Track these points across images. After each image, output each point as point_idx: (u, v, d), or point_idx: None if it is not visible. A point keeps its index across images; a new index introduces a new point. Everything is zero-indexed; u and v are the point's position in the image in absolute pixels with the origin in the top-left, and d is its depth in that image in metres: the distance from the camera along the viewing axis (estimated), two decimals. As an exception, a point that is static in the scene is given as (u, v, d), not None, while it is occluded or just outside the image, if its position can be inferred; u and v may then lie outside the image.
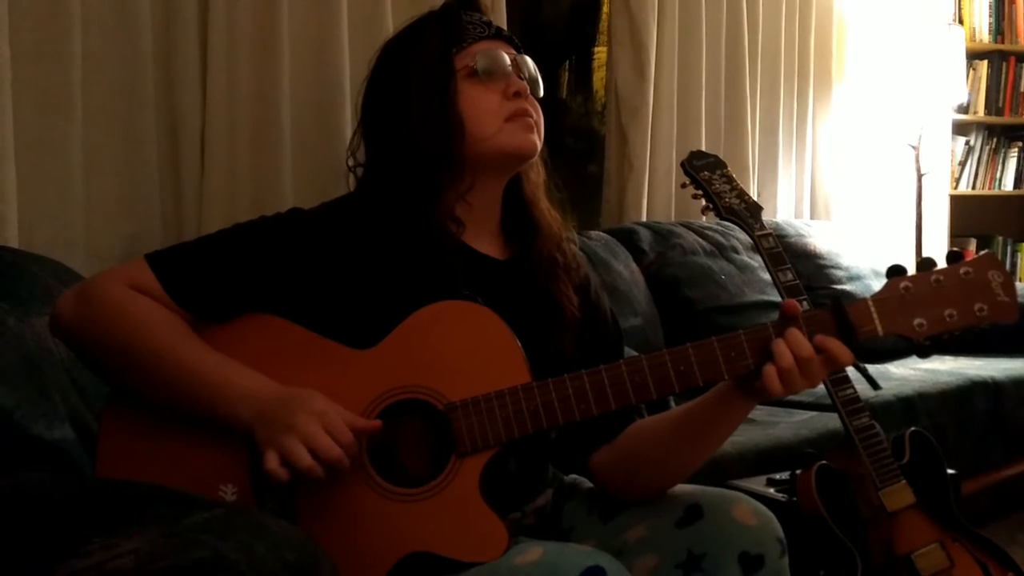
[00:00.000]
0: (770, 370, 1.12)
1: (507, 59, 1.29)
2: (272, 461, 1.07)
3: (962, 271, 1.14)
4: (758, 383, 1.13)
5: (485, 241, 1.32)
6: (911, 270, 1.16)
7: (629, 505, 1.27)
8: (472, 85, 1.27)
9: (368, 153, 1.34)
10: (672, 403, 2.14)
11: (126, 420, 1.18)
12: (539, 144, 1.30)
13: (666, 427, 1.27)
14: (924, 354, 1.14)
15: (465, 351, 1.16)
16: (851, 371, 1.81)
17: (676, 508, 1.21)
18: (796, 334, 1.12)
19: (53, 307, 1.20)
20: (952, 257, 1.16)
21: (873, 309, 1.13)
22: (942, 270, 1.15)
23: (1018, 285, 1.18)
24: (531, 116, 1.28)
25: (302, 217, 1.26)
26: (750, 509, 1.19)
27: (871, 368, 2.53)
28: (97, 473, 1.17)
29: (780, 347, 1.12)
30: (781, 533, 1.19)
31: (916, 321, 1.13)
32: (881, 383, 2.46)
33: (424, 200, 1.25)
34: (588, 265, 1.43)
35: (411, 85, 1.27)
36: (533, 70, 1.32)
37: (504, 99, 1.27)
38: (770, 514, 1.20)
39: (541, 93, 1.33)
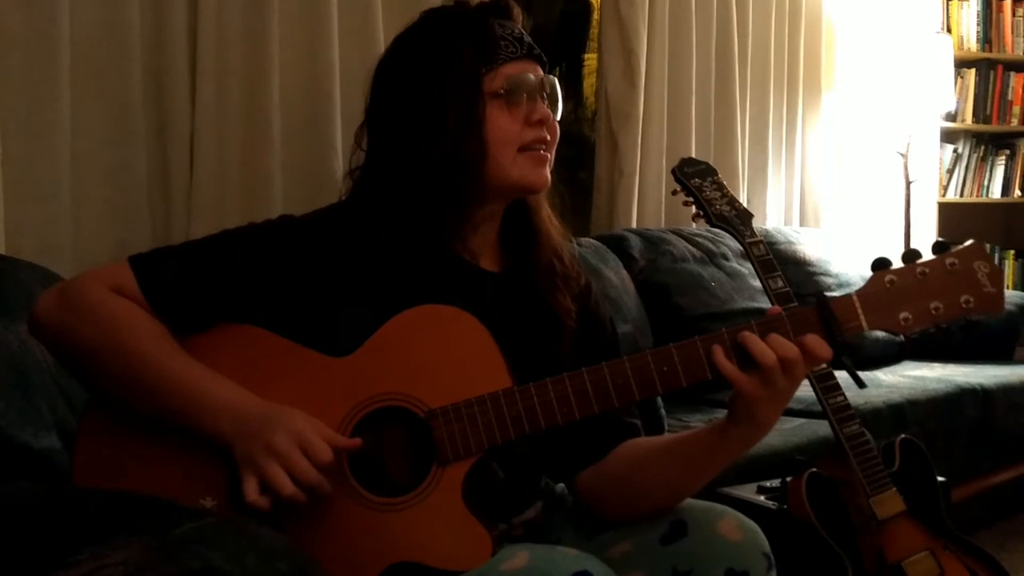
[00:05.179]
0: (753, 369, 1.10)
1: (534, 82, 1.25)
2: (252, 492, 1.06)
3: (948, 262, 1.12)
4: (744, 390, 1.11)
5: (482, 253, 1.29)
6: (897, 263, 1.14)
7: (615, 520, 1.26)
8: (497, 109, 1.22)
9: (371, 161, 1.28)
10: (661, 408, 2.15)
11: (104, 429, 1.16)
12: (549, 175, 1.27)
13: (658, 453, 1.24)
14: (910, 346, 1.13)
15: (445, 357, 1.15)
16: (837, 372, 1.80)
17: (661, 524, 1.20)
18: (777, 335, 1.10)
19: (32, 305, 1.17)
20: (938, 248, 1.14)
21: (858, 304, 1.12)
22: (927, 262, 1.13)
23: (1007, 293, 1.18)
24: (546, 146, 1.26)
25: (292, 224, 1.24)
26: (735, 523, 1.18)
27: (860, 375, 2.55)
28: (74, 483, 1.15)
29: (760, 345, 1.10)
30: (767, 548, 1.18)
31: (902, 315, 1.12)
32: (871, 390, 2.48)
33: (440, 231, 1.23)
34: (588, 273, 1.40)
35: (437, 105, 1.21)
36: (556, 90, 1.28)
37: (526, 125, 1.24)
38: (756, 528, 1.19)
39: (560, 115, 1.29)
